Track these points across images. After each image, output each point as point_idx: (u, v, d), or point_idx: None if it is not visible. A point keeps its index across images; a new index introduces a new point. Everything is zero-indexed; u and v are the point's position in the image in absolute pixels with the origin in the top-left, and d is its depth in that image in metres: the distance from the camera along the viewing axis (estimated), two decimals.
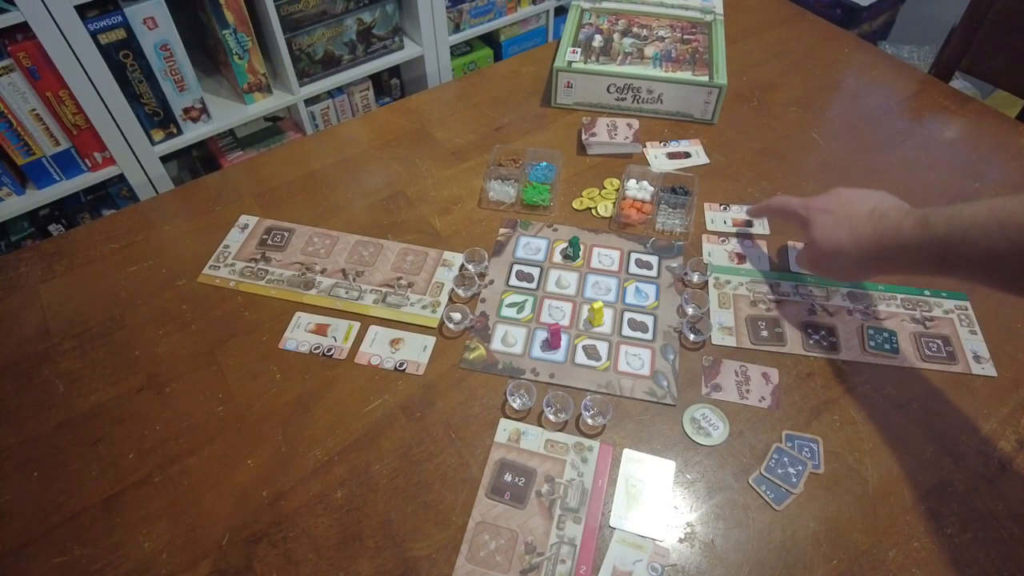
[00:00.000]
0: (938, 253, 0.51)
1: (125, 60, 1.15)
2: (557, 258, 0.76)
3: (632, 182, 0.82)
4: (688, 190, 0.82)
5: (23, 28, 1.03)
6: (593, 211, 0.81)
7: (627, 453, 0.60)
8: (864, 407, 0.63)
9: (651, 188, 0.81)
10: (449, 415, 0.63)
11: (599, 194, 0.83)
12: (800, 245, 0.76)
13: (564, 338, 0.68)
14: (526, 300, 0.72)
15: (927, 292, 0.72)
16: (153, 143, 1.29)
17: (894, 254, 0.55)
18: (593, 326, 0.69)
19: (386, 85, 1.69)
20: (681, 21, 1.01)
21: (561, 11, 1.82)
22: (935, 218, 0.51)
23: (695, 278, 0.73)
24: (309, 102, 1.48)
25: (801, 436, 0.60)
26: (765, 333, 0.69)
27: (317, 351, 0.68)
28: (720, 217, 0.81)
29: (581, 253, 0.76)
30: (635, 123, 0.90)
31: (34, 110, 1.11)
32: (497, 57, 1.79)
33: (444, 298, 0.72)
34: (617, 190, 0.84)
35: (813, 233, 0.63)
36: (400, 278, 0.74)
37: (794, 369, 0.66)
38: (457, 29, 1.64)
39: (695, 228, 0.79)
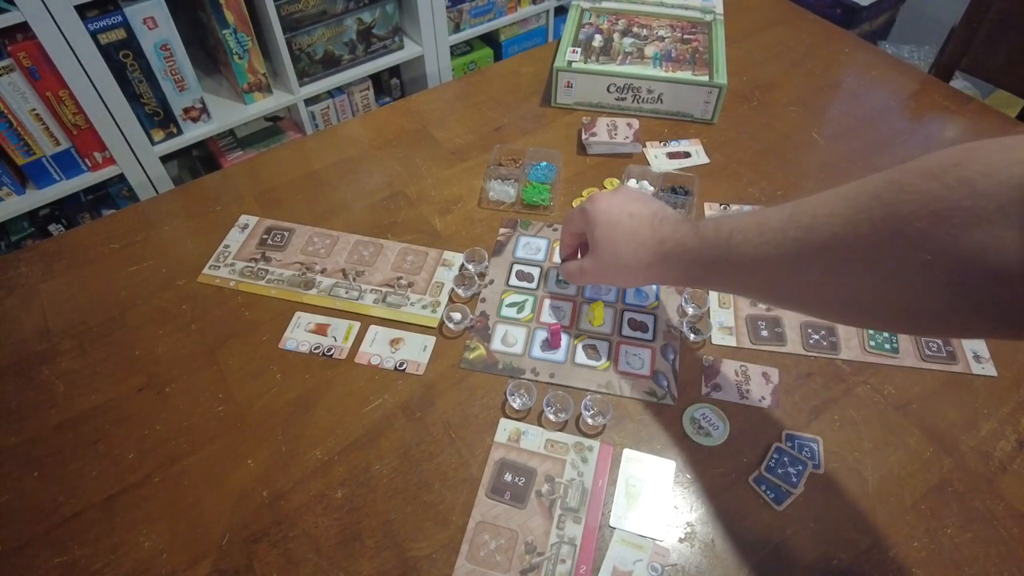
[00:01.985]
0: (706, 258, 0.51)
1: (125, 60, 1.15)
2: (557, 258, 0.76)
3: (632, 182, 0.82)
4: (688, 190, 0.82)
5: (23, 28, 1.03)
6: None
7: (627, 453, 0.60)
8: (864, 407, 0.63)
9: (651, 188, 0.81)
10: (449, 415, 0.63)
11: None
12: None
13: (564, 338, 0.68)
14: (526, 300, 0.72)
15: None
16: (153, 143, 1.29)
17: (668, 260, 0.55)
18: (593, 326, 0.69)
19: (386, 85, 1.69)
20: (681, 21, 1.01)
21: (561, 11, 1.82)
22: (705, 224, 0.52)
23: None
24: (309, 102, 1.48)
25: (801, 436, 0.60)
26: (765, 333, 0.69)
27: (317, 351, 0.68)
28: None
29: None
30: (635, 123, 0.90)
31: (34, 110, 1.11)
32: (497, 57, 1.80)
33: (444, 298, 0.72)
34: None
35: (594, 233, 0.60)
36: (400, 278, 0.74)
37: (794, 369, 0.66)
38: (457, 29, 1.64)
39: None
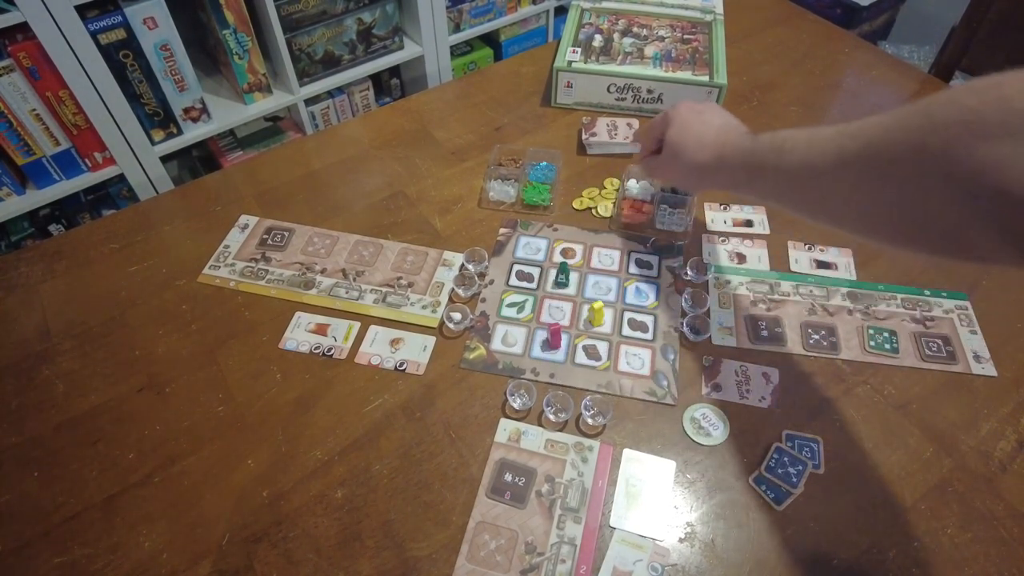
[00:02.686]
0: (757, 164, 0.54)
1: (125, 60, 1.15)
2: (557, 258, 0.76)
3: (632, 182, 0.82)
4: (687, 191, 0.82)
5: (23, 28, 1.03)
6: (593, 211, 0.81)
7: (627, 453, 0.60)
8: (864, 407, 0.63)
9: (651, 188, 0.81)
10: (449, 415, 0.63)
11: (599, 194, 0.83)
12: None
13: (564, 338, 0.68)
14: (526, 300, 0.72)
15: (927, 292, 0.72)
16: (153, 143, 1.29)
17: (724, 161, 0.59)
18: (593, 326, 0.69)
19: (386, 85, 1.69)
20: (681, 21, 1.01)
21: (561, 11, 1.82)
22: (763, 134, 0.56)
23: (695, 278, 0.73)
24: (309, 102, 1.48)
25: (801, 436, 0.60)
26: (765, 333, 0.69)
27: (317, 351, 0.68)
28: (720, 217, 0.81)
29: (574, 277, 0.76)
30: (635, 123, 0.90)
31: (34, 110, 1.11)
32: (497, 57, 1.79)
33: (444, 298, 0.72)
34: (617, 190, 0.84)
35: (668, 131, 0.66)
36: (400, 278, 0.74)
37: (794, 369, 0.66)
38: (457, 29, 1.64)
39: (695, 228, 0.79)
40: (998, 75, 0.36)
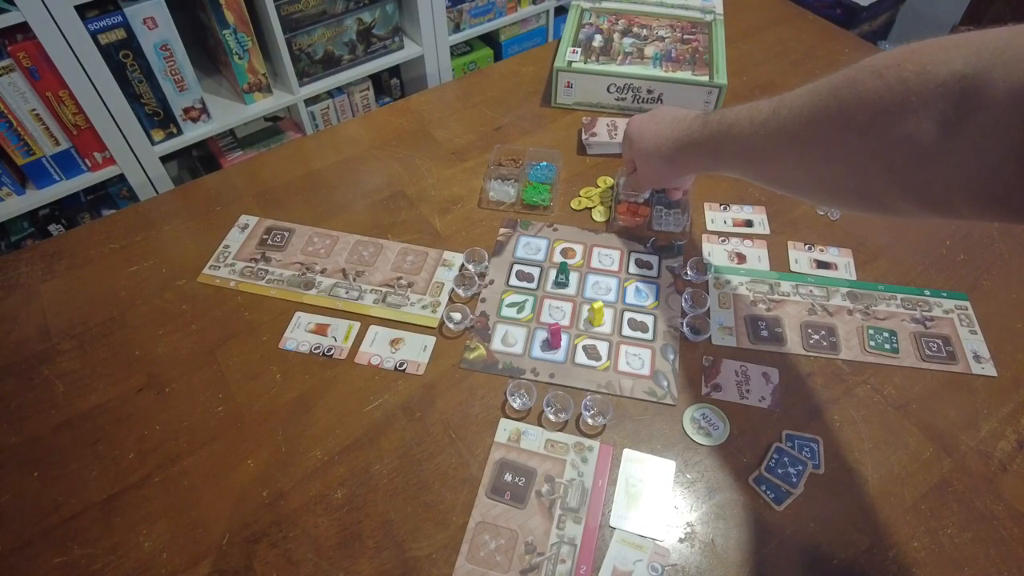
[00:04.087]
0: (713, 148, 0.58)
1: (125, 60, 1.15)
2: (557, 258, 0.76)
3: (624, 180, 0.82)
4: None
5: (23, 28, 1.03)
6: (591, 215, 0.81)
7: (627, 453, 0.60)
8: (864, 407, 0.63)
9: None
10: (449, 415, 0.63)
11: (596, 194, 0.83)
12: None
13: (564, 338, 0.68)
14: (526, 300, 0.72)
15: (927, 292, 0.72)
16: (153, 143, 1.29)
17: (685, 151, 0.63)
18: (593, 326, 0.69)
19: (386, 85, 1.69)
20: (681, 21, 1.01)
21: (561, 11, 1.82)
22: (712, 117, 0.59)
23: (695, 278, 0.73)
24: (309, 102, 1.48)
25: (801, 436, 0.60)
26: (765, 333, 0.69)
27: (317, 351, 0.68)
28: (720, 217, 0.81)
29: (574, 277, 0.76)
30: None
31: (34, 110, 1.11)
32: (497, 57, 1.79)
33: (444, 298, 0.72)
34: (611, 187, 0.83)
35: (632, 145, 0.71)
36: (400, 278, 0.74)
37: (794, 369, 0.66)
38: (457, 29, 1.64)
39: (695, 228, 0.79)
40: (897, 51, 0.39)
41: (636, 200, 0.80)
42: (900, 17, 2.16)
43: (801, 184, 0.51)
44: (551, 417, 0.62)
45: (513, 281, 0.74)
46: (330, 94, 1.52)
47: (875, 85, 0.39)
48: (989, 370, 0.65)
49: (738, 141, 0.54)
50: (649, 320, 0.70)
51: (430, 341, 0.69)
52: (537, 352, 0.67)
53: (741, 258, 0.76)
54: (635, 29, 0.99)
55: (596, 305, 0.68)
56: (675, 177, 0.72)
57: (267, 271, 0.75)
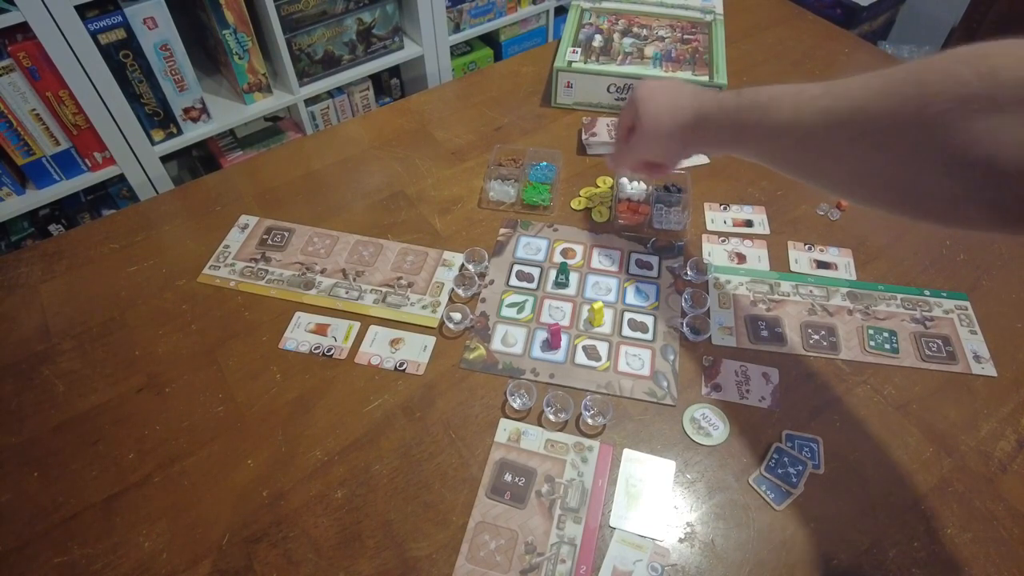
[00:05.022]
0: (741, 120, 0.52)
1: (125, 60, 1.15)
2: (557, 258, 0.76)
3: (624, 180, 0.82)
4: (681, 188, 0.82)
5: (23, 28, 1.03)
6: (591, 215, 0.81)
7: (627, 453, 0.60)
8: (864, 407, 0.63)
9: (645, 186, 0.81)
10: (449, 415, 0.63)
11: (596, 194, 0.83)
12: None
13: (564, 338, 0.68)
14: (526, 300, 0.72)
15: (927, 292, 0.72)
16: (153, 143, 1.29)
17: (706, 122, 0.57)
18: (593, 326, 0.69)
19: (386, 85, 1.69)
20: (681, 21, 1.01)
21: (561, 11, 1.82)
22: (746, 90, 0.54)
23: (695, 278, 0.73)
24: (309, 102, 1.48)
25: (801, 436, 0.60)
26: (765, 333, 0.69)
27: (317, 351, 0.68)
28: (720, 217, 0.81)
29: (574, 278, 0.76)
30: None
31: (34, 110, 1.11)
32: (497, 57, 1.79)
33: (444, 298, 0.72)
34: (611, 187, 0.83)
35: (640, 108, 0.63)
36: (400, 278, 0.74)
37: (794, 369, 0.66)
38: (457, 29, 1.64)
39: (695, 228, 0.79)
40: (986, 44, 0.36)
41: (636, 196, 0.80)
42: (900, 17, 2.16)
43: (841, 177, 0.46)
44: (551, 417, 0.62)
45: (513, 281, 0.74)
46: (330, 94, 1.52)
47: (960, 71, 0.36)
48: (989, 370, 0.65)
49: (776, 119, 0.49)
50: (649, 320, 0.70)
51: (430, 341, 0.69)
52: (537, 352, 0.67)
53: (741, 258, 0.76)
54: (635, 29, 0.99)
55: (596, 305, 0.68)
56: (678, 151, 0.64)
57: (267, 271, 0.75)
